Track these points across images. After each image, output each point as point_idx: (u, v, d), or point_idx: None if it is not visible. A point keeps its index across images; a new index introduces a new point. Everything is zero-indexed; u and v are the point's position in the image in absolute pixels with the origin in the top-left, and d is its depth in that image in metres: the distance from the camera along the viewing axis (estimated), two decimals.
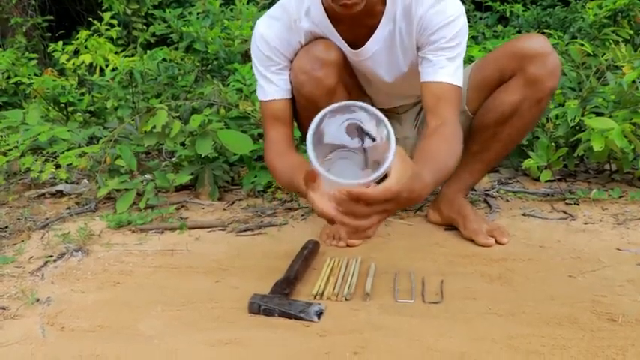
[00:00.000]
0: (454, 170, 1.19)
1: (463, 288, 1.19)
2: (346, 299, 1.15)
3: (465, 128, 1.40)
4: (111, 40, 2.79)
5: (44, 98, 2.69)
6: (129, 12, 3.75)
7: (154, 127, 1.85)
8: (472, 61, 1.54)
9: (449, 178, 1.39)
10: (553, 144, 1.84)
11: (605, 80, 1.96)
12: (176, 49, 2.98)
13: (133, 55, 3.00)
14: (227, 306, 1.14)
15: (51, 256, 1.45)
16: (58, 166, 1.97)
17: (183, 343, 1.00)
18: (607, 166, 2.05)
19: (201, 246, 1.51)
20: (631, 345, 0.95)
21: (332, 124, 0.91)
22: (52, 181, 2.14)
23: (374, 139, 0.89)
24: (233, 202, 1.88)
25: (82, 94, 2.83)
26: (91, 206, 1.85)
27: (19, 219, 1.75)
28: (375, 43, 1.33)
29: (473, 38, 3.44)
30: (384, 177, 0.90)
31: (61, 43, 2.78)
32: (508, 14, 3.94)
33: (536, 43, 1.36)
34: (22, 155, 2.02)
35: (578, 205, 1.72)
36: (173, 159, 2.30)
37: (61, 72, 3.16)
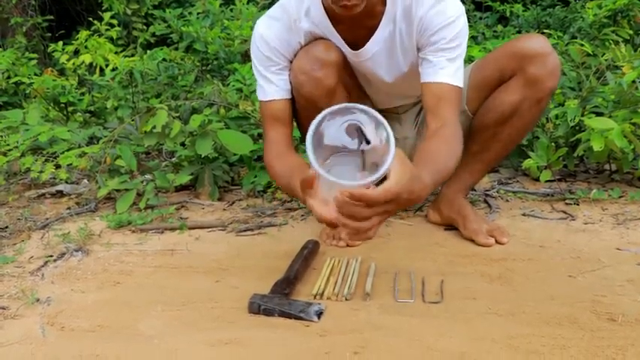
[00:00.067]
0: (454, 170, 1.20)
1: (463, 288, 1.19)
2: (346, 299, 1.15)
3: (464, 128, 1.40)
4: (111, 40, 2.79)
5: (44, 98, 2.69)
6: (129, 12, 3.75)
7: (154, 127, 1.85)
8: (472, 61, 1.54)
9: (449, 178, 1.39)
10: (553, 144, 1.84)
11: (605, 80, 1.96)
12: (176, 49, 2.98)
13: (133, 55, 3.00)
14: (227, 306, 1.14)
15: (51, 256, 1.45)
16: (58, 166, 1.97)
17: (183, 343, 1.00)
18: (607, 166, 2.05)
19: (201, 246, 1.51)
20: (631, 345, 0.95)
21: (332, 125, 0.91)
22: (52, 181, 2.14)
23: (369, 142, 0.89)
24: (233, 202, 1.88)
25: (82, 94, 2.83)
26: (91, 206, 1.85)
27: (19, 219, 1.75)
28: (375, 44, 1.33)
29: (473, 38, 3.44)
30: (384, 179, 0.90)
31: (61, 43, 2.79)
32: (508, 14, 3.94)
33: (536, 43, 1.36)
34: (22, 155, 2.02)
35: (578, 205, 1.72)
36: (173, 159, 2.30)
37: (61, 72, 3.16)
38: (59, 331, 1.06)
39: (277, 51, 1.35)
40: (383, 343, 0.98)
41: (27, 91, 2.90)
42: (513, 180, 2.02)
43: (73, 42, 2.71)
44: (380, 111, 1.59)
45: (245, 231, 1.61)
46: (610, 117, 1.74)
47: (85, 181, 2.17)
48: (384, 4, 1.28)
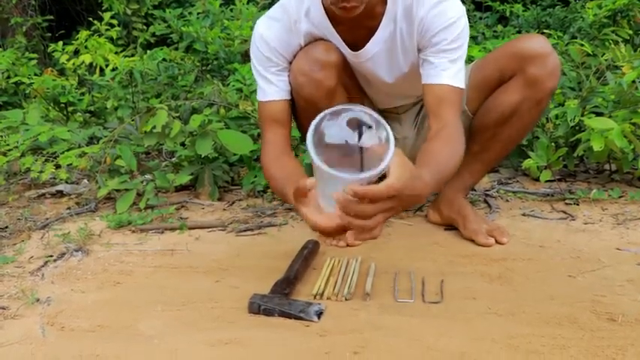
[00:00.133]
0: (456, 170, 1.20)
1: (463, 288, 1.19)
2: (346, 299, 1.15)
3: (464, 128, 1.40)
4: (111, 40, 2.79)
5: (44, 98, 2.69)
6: (129, 12, 3.75)
7: (154, 127, 1.85)
8: (472, 61, 1.54)
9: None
10: (553, 144, 1.84)
11: (605, 80, 1.96)
12: (176, 49, 2.98)
13: (133, 55, 3.00)
14: (227, 306, 1.14)
15: (51, 256, 1.45)
16: (58, 166, 1.97)
17: (183, 343, 1.00)
18: (607, 166, 2.05)
19: (201, 246, 1.51)
20: (631, 345, 0.95)
21: (332, 125, 0.91)
22: (52, 181, 2.14)
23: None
24: (233, 202, 1.88)
25: (82, 94, 2.83)
26: (91, 206, 1.85)
27: (19, 219, 1.75)
28: (375, 45, 1.33)
29: (473, 38, 3.44)
30: (384, 177, 0.90)
31: (61, 43, 2.79)
32: (508, 14, 3.94)
33: (537, 43, 1.36)
34: (22, 155, 2.02)
35: (578, 205, 1.72)
36: (173, 159, 2.30)
37: (61, 72, 3.16)
38: (59, 331, 1.06)
39: (277, 52, 1.35)
40: (383, 343, 0.98)
41: (27, 91, 2.90)
42: (513, 180, 2.02)
43: (73, 42, 2.71)
44: (380, 111, 1.60)
45: (245, 231, 1.61)
46: (610, 117, 1.74)
47: (85, 181, 2.17)
48: (385, 4, 1.28)
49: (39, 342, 1.02)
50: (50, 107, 2.73)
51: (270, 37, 1.34)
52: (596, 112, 1.92)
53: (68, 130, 2.09)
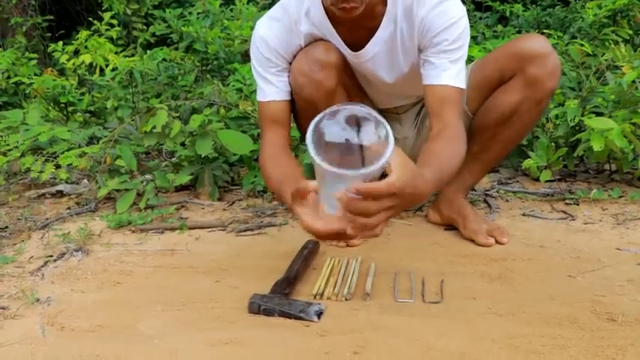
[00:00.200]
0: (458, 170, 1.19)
1: (463, 288, 1.19)
2: (346, 299, 1.15)
3: (465, 128, 1.40)
4: (111, 40, 2.80)
5: (44, 98, 2.69)
6: (129, 12, 3.75)
7: (154, 127, 1.85)
8: (472, 61, 1.54)
9: None
10: (553, 144, 1.84)
11: (605, 80, 1.96)
12: (176, 49, 2.98)
13: (133, 55, 3.00)
14: (227, 306, 1.14)
15: (51, 256, 1.45)
16: (58, 166, 1.97)
17: (183, 343, 1.00)
18: (607, 166, 2.05)
19: (201, 246, 1.51)
20: (631, 345, 0.95)
21: (331, 124, 0.91)
22: (52, 181, 2.14)
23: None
24: (233, 202, 1.88)
25: (82, 94, 2.83)
26: (91, 206, 1.85)
27: (19, 219, 1.75)
28: (375, 45, 1.33)
29: (473, 38, 3.43)
30: (384, 176, 0.90)
31: (61, 43, 2.79)
32: (508, 14, 3.94)
33: (537, 43, 1.36)
34: (22, 155, 2.02)
35: (578, 205, 1.72)
36: (173, 159, 2.30)
37: (61, 72, 3.16)
38: (59, 331, 1.06)
39: (277, 52, 1.35)
40: (383, 343, 0.98)
41: (27, 91, 2.90)
42: (513, 180, 2.02)
43: (73, 42, 2.71)
44: (380, 111, 1.60)
45: (245, 231, 1.61)
46: (610, 117, 1.74)
47: (85, 181, 2.17)
48: (385, 4, 1.28)
49: (39, 342, 1.02)
50: (50, 107, 2.73)
51: (270, 37, 1.34)
52: (596, 112, 1.92)
53: (68, 130, 2.09)
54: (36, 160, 1.97)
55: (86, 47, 2.64)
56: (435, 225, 1.60)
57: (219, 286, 1.25)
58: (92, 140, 2.32)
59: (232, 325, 1.07)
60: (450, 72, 1.26)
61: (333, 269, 1.28)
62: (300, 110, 1.40)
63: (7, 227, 1.67)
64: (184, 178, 1.88)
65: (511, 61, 1.38)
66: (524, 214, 1.66)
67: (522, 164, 1.90)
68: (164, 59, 2.77)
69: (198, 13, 3.22)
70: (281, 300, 1.11)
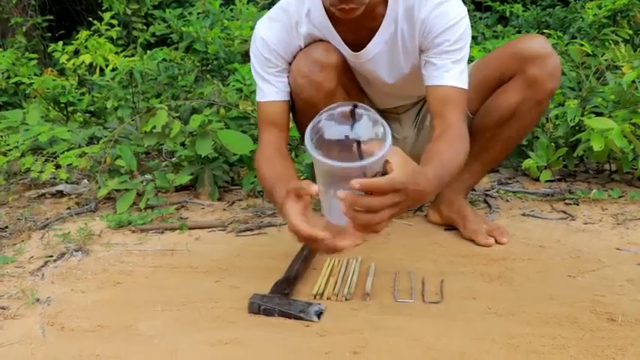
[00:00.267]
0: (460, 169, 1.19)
1: (463, 288, 1.19)
2: (346, 299, 1.15)
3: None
4: (111, 40, 2.80)
5: (44, 98, 2.69)
6: (129, 12, 3.75)
7: (154, 127, 1.85)
8: (472, 62, 1.54)
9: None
10: (553, 144, 1.84)
11: (605, 80, 1.96)
12: (176, 49, 2.98)
13: (133, 55, 3.00)
14: (227, 306, 1.14)
15: (51, 256, 1.45)
16: (58, 166, 1.97)
17: (183, 343, 1.00)
18: (607, 166, 2.05)
19: (201, 246, 1.51)
20: (631, 345, 0.95)
21: (329, 122, 0.92)
22: (52, 181, 2.14)
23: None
24: (233, 202, 1.88)
25: (82, 94, 2.83)
26: (91, 206, 1.85)
27: (19, 219, 1.75)
28: (376, 45, 1.33)
29: (473, 38, 3.43)
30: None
31: (61, 43, 2.79)
32: (508, 14, 3.94)
33: (537, 44, 1.35)
34: (22, 155, 2.02)
35: (577, 205, 1.72)
36: (173, 159, 2.30)
37: (61, 72, 3.16)
38: (59, 331, 1.06)
39: (276, 53, 1.34)
40: (383, 343, 0.98)
41: (27, 91, 2.90)
42: (513, 180, 2.02)
43: (73, 42, 2.71)
44: (380, 111, 1.60)
45: (245, 231, 1.61)
46: (610, 117, 1.75)
47: (85, 181, 2.17)
48: (386, 5, 1.28)
49: (39, 342, 1.02)
50: (50, 107, 2.73)
51: (270, 38, 1.34)
52: (596, 112, 1.92)
53: (68, 130, 2.09)
54: (36, 160, 1.97)
55: (86, 47, 2.64)
56: (435, 225, 1.60)
57: (219, 286, 1.25)
58: (92, 140, 2.32)
59: (232, 325, 1.07)
60: (452, 72, 1.25)
61: (333, 269, 1.28)
62: (300, 111, 1.40)
63: (7, 227, 1.68)
64: (184, 178, 1.88)
65: (511, 62, 1.38)
66: (524, 214, 1.66)
67: (522, 164, 1.90)
68: (164, 59, 2.77)
69: (198, 13, 3.22)
70: (281, 300, 1.11)
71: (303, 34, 1.33)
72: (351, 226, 0.93)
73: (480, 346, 0.97)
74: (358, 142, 0.89)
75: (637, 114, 1.73)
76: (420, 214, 1.69)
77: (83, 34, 2.65)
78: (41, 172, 1.93)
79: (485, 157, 1.50)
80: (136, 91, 2.56)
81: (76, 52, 2.71)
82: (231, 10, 3.27)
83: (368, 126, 0.90)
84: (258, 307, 1.10)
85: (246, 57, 2.87)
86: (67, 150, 1.99)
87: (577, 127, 1.91)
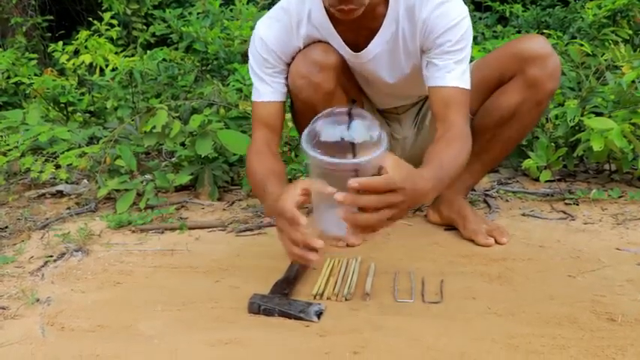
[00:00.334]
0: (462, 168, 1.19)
1: (463, 288, 1.19)
2: (346, 299, 1.15)
3: None
4: (111, 40, 2.80)
5: (44, 98, 2.69)
6: (129, 12, 3.75)
7: (154, 127, 1.85)
8: (472, 62, 1.54)
9: None
10: (553, 144, 1.84)
11: (605, 80, 1.96)
12: (176, 49, 2.98)
13: (133, 55, 3.00)
14: (227, 306, 1.14)
15: (51, 256, 1.45)
16: (58, 166, 1.97)
17: (183, 343, 1.00)
18: (607, 166, 2.05)
19: (201, 246, 1.51)
20: (631, 345, 0.95)
21: (326, 125, 0.93)
22: (52, 181, 2.14)
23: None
24: (233, 202, 1.88)
25: (82, 94, 2.83)
26: (91, 206, 1.85)
27: (19, 219, 1.75)
28: (377, 45, 1.32)
29: (473, 38, 3.43)
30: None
31: (61, 43, 2.79)
32: (508, 14, 3.94)
33: (537, 44, 1.35)
34: (22, 155, 2.02)
35: (577, 205, 1.72)
36: (173, 159, 2.30)
37: (61, 72, 3.16)
38: (59, 331, 1.06)
39: (275, 53, 1.34)
40: (383, 343, 0.98)
41: (27, 91, 2.90)
42: (513, 180, 2.02)
43: (73, 42, 2.71)
44: (380, 112, 1.60)
45: (245, 231, 1.61)
46: (610, 117, 1.75)
47: (85, 181, 2.17)
48: (386, 5, 1.27)
49: (39, 342, 1.02)
50: (50, 107, 2.73)
51: (269, 38, 1.33)
52: (596, 112, 1.92)
53: (68, 130, 2.09)
54: (36, 160, 1.97)
55: (86, 47, 2.64)
56: (434, 225, 1.60)
57: (219, 286, 1.25)
58: (92, 140, 2.32)
59: (232, 325, 1.07)
60: (454, 73, 1.25)
61: (333, 269, 1.28)
62: (299, 112, 1.40)
63: (7, 227, 1.68)
64: (184, 178, 1.88)
65: (511, 62, 1.37)
66: (524, 214, 1.66)
67: (522, 164, 1.90)
68: (164, 59, 2.77)
69: (198, 13, 3.22)
70: (281, 300, 1.11)
71: (302, 35, 1.32)
72: (349, 234, 0.94)
73: (480, 346, 0.97)
74: (353, 144, 0.90)
75: (637, 114, 1.73)
76: (420, 214, 1.69)
77: (83, 34, 2.65)
78: (41, 172, 1.93)
79: (485, 157, 1.50)
80: (135, 91, 2.56)
81: (76, 52, 2.71)
82: (231, 10, 3.27)
83: (363, 129, 0.91)
84: (258, 307, 1.10)
85: (246, 57, 2.86)
86: (67, 150, 1.99)
87: (577, 127, 1.91)
